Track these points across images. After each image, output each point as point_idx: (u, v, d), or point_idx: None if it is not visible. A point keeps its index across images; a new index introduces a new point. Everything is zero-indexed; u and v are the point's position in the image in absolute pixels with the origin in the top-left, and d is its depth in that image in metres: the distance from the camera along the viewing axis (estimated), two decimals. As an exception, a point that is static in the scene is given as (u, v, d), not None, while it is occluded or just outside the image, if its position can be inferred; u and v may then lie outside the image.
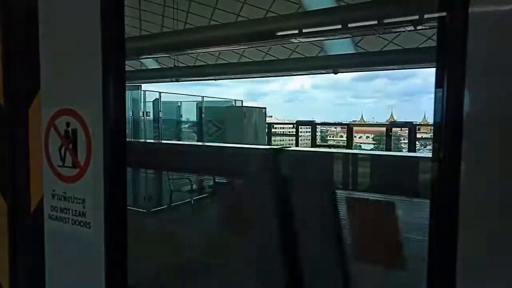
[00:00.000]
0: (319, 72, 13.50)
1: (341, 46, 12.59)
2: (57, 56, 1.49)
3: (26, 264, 1.67)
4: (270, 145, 11.30)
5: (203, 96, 11.56)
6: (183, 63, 15.07)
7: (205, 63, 15.81)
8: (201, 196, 6.34)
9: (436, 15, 0.93)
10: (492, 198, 0.82)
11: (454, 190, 0.85)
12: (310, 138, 13.20)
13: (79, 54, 1.43)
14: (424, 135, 11.90)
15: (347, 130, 12.71)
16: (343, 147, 13.87)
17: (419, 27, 6.91)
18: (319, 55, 13.70)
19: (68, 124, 1.45)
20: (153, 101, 9.66)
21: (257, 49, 13.18)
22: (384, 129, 12.02)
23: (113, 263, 1.39)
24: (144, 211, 6.20)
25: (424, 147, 11.05)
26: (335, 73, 13.00)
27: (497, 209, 0.82)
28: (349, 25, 6.87)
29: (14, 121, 1.64)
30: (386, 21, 6.89)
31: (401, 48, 12.40)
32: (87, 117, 1.39)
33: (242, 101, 12.74)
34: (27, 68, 1.57)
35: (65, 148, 1.47)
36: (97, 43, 1.34)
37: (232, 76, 14.61)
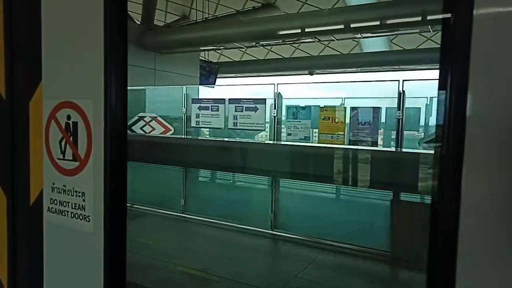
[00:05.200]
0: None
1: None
2: (59, 49, 1.49)
3: (24, 256, 1.67)
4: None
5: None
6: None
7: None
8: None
9: (440, 16, 0.92)
10: (494, 200, 0.82)
11: (455, 191, 0.85)
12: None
13: (80, 47, 1.43)
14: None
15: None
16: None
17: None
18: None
19: (69, 117, 1.45)
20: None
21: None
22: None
23: (112, 257, 1.39)
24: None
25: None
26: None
27: (499, 211, 0.82)
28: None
29: (15, 113, 1.64)
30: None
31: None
32: (88, 110, 1.39)
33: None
34: (29, 61, 1.57)
35: (66, 141, 1.47)
36: (99, 36, 1.34)
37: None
